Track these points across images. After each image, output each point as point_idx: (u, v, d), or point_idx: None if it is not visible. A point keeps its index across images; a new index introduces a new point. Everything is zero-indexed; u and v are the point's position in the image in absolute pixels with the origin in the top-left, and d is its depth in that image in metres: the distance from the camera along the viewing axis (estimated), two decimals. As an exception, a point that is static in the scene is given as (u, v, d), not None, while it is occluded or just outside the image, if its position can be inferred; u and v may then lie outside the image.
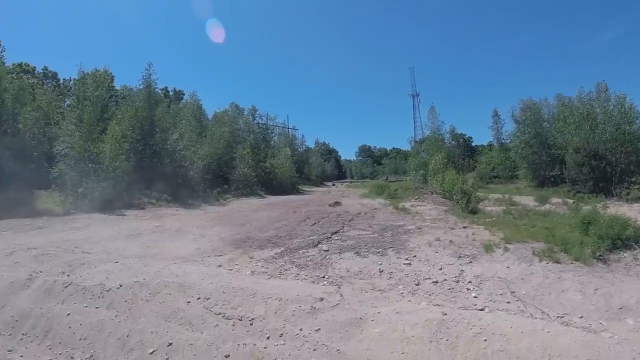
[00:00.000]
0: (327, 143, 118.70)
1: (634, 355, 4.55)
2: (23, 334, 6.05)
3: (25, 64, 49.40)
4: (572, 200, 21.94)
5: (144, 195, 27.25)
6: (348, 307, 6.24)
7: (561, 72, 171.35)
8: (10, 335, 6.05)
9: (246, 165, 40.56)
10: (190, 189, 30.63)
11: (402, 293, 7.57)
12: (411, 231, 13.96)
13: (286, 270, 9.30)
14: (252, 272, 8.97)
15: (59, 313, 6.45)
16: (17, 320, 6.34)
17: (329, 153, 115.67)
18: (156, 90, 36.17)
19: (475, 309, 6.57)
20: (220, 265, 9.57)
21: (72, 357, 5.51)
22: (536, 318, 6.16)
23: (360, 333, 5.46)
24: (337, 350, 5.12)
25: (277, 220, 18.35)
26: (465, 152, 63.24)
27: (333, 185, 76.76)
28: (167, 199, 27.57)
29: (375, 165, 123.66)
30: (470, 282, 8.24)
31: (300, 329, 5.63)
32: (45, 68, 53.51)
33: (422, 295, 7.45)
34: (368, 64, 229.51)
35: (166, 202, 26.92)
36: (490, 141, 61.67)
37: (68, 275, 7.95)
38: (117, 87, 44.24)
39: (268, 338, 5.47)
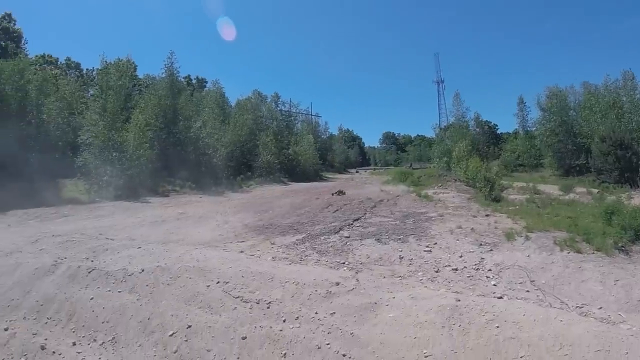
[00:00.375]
0: (350, 130, 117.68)
1: None
2: (48, 318, 6.26)
3: (47, 55, 49.79)
4: (596, 190, 21.48)
5: (168, 182, 27.64)
6: (363, 292, 6.28)
7: (588, 59, 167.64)
8: (35, 319, 6.25)
9: (269, 152, 40.81)
10: (214, 176, 30.84)
11: (421, 280, 7.55)
12: (433, 218, 13.79)
13: (307, 256, 9.32)
14: (273, 257, 9.02)
15: (82, 297, 6.64)
16: (42, 305, 6.54)
17: (353, 140, 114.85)
18: (179, 78, 36.67)
19: (493, 297, 6.52)
20: (242, 251, 9.64)
21: (95, 340, 5.69)
22: (552, 307, 6.07)
23: (374, 317, 5.50)
24: (351, 333, 5.18)
25: (300, 207, 18.38)
26: (490, 140, 62.31)
27: (356, 172, 76.52)
28: (190, 186, 27.90)
29: (400, 153, 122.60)
30: (490, 270, 8.16)
31: (316, 313, 5.71)
32: (68, 59, 53.96)
33: (441, 283, 7.42)
34: (393, 50, 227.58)
35: (190, 190, 27.28)
36: (516, 129, 60.40)
37: (92, 261, 8.11)
38: (140, 76, 44.52)
39: (284, 321, 5.57)
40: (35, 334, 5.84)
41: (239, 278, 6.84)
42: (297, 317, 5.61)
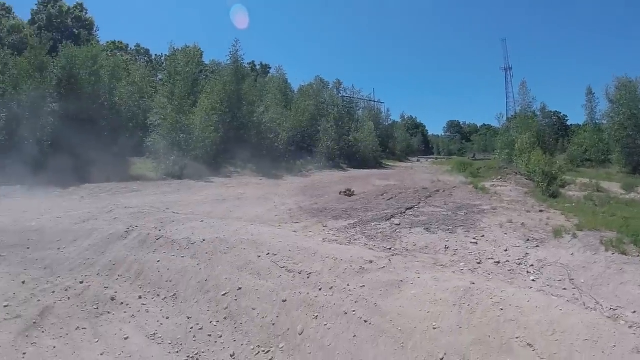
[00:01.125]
0: (414, 117, 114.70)
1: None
2: (118, 275, 7.34)
3: (118, 42, 52.30)
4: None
5: (230, 164, 28.83)
6: (393, 270, 6.73)
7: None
8: (107, 275, 7.37)
9: (330, 138, 41.25)
10: (275, 160, 31.67)
11: (462, 270, 7.64)
12: (485, 211, 13.75)
13: (356, 240, 9.66)
14: (323, 239, 9.39)
15: (150, 260, 7.65)
16: (114, 264, 7.63)
17: (416, 128, 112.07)
18: (243, 64, 37.62)
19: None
20: (294, 231, 10.16)
21: (158, 295, 6.69)
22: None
23: (398, 293, 6.00)
24: (375, 304, 5.77)
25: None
26: (558, 132, 59.82)
27: (418, 160, 75.14)
28: (252, 168, 28.96)
29: (464, 142, 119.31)
30: (532, 265, 8.09)
31: (348, 284, 6.30)
32: (138, 45, 56.50)
33: (481, 274, 7.45)
34: (458, 37, 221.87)
35: (251, 172, 28.29)
36: (585, 121, 57.52)
37: (160, 230, 9.03)
38: (207, 62, 45.90)
39: (320, 289, 6.26)
40: (107, 287, 6.90)
41: (286, 252, 7.51)
42: (332, 287, 6.25)
